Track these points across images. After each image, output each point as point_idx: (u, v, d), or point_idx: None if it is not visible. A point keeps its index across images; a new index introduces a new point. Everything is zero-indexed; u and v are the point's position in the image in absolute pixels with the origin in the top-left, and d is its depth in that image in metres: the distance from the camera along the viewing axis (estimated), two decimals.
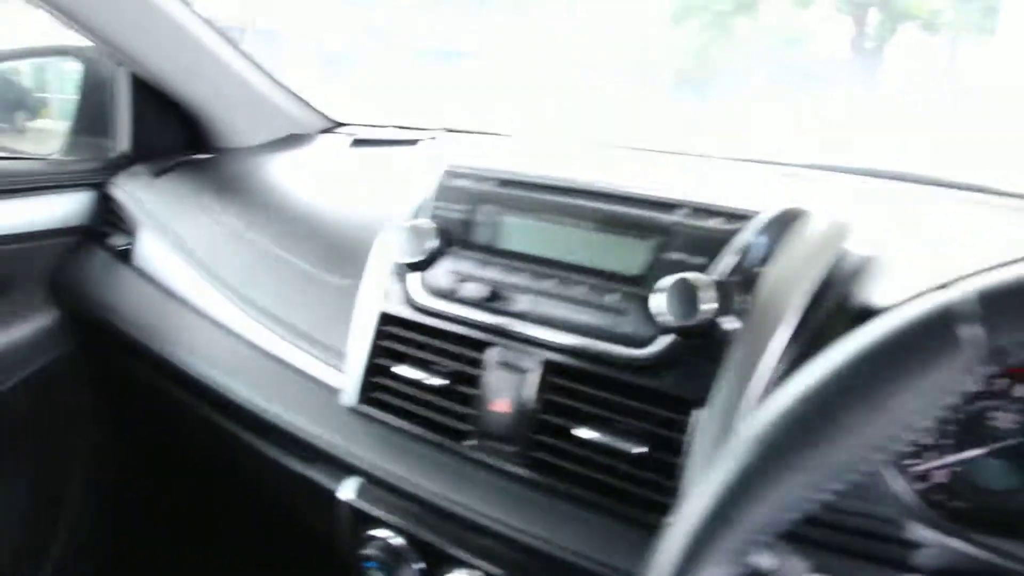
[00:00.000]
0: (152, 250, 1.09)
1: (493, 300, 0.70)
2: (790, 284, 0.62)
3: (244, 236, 0.99)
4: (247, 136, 1.30)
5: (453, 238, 0.75)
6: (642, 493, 0.62)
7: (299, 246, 0.94)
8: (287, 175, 1.16)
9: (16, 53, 1.48)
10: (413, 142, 1.20)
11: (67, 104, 1.48)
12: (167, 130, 1.30)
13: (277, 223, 1.00)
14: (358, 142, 1.26)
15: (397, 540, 0.73)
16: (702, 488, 0.39)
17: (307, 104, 1.36)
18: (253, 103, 1.29)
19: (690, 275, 0.61)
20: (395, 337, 0.76)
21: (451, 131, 1.27)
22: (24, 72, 1.57)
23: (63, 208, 1.21)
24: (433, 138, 1.20)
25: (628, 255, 0.66)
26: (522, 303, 0.69)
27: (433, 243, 0.74)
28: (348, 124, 1.40)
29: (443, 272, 0.74)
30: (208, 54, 1.18)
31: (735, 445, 0.39)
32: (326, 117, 1.39)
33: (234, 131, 1.29)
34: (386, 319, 0.76)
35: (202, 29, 1.16)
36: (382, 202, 0.94)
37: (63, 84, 1.59)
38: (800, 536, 0.42)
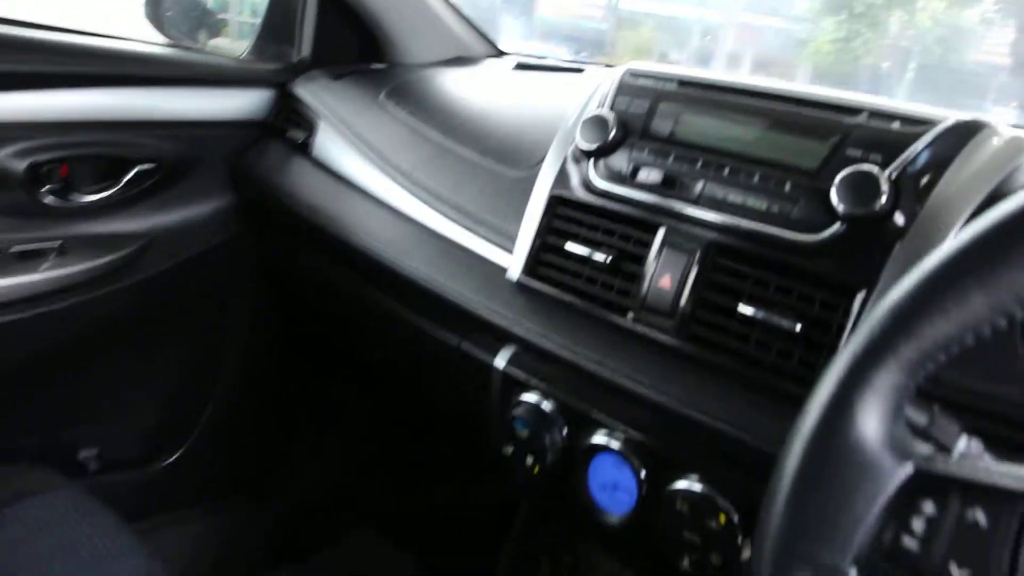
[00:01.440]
0: (329, 142, 1.18)
1: (666, 185, 0.75)
2: (964, 190, 0.64)
3: (419, 131, 1.06)
4: (418, 53, 1.38)
5: (631, 129, 0.80)
6: (795, 369, 0.65)
7: (473, 142, 1.00)
8: (457, 85, 1.22)
9: None
10: (579, 70, 1.25)
11: (245, 26, 1.59)
12: (345, 41, 1.38)
13: (450, 122, 1.06)
14: (521, 66, 1.32)
15: (545, 403, 0.78)
16: (886, 298, 0.42)
17: (477, 30, 1.43)
18: (428, 23, 1.37)
19: (868, 166, 0.64)
20: (567, 218, 0.81)
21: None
22: None
23: (247, 103, 1.31)
24: (603, 65, 1.24)
25: (805, 151, 0.69)
26: (695, 188, 0.73)
27: (612, 132, 0.79)
28: (513, 54, 1.46)
29: (620, 159, 0.79)
30: None
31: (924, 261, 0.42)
32: (493, 45, 1.46)
33: (407, 47, 1.37)
34: (561, 201, 0.82)
35: None
36: (550, 112, 0.99)
37: (242, 7, 1.71)
38: (954, 402, 0.45)
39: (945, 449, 0.42)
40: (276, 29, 1.41)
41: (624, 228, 0.76)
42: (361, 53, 1.39)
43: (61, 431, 1.28)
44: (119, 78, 1.17)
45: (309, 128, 1.23)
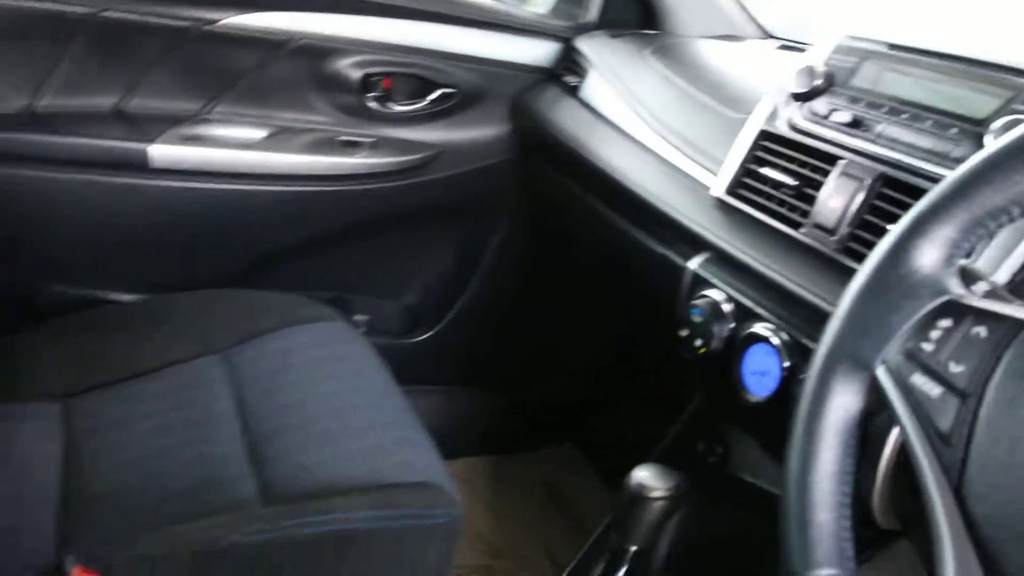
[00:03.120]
0: (596, 87, 1.39)
1: (852, 125, 0.88)
2: None
3: (669, 79, 1.24)
4: (691, 27, 1.55)
5: (835, 80, 0.93)
6: None
7: (711, 91, 1.17)
8: (714, 50, 1.39)
9: None
10: None
11: None
12: (628, 10, 1.58)
13: (697, 74, 1.23)
14: (785, 47, 1.45)
15: (721, 298, 0.94)
16: (951, 173, 0.55)
17: (747, 13, 1.58)
18: (704, 1, 1.54)
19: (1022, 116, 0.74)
20: (768, 149, 0.96)
21: None
22: None
23: (538, 51, 1.55)
24: None
25: (979, 105, 0.80)
26: (875, 129, 0.86)
27: (819, 81, 0.93)
28: (781, 38, 1.59)
29: (820, 103, 0.93)
30: None
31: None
32: (762, 28, 1.59)
33: (682, 20, 1.54)
34: (766, 135, 0.97)
35: None
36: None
37: None
38: None
39: (974, 288, 0.54)
40: None
41: (812, 159, 0.90)
42: (640, 22, 1.59)
43: (344, 294, 1.59)
44: (443, 16, 1.45)
45: (582, 75, 1.45)
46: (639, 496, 0.85)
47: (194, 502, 0.93)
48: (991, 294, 0.54)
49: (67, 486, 0.96)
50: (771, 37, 1.59)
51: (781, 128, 0.96)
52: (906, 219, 0.56)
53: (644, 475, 0.86)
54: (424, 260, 1.62)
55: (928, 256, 0.55)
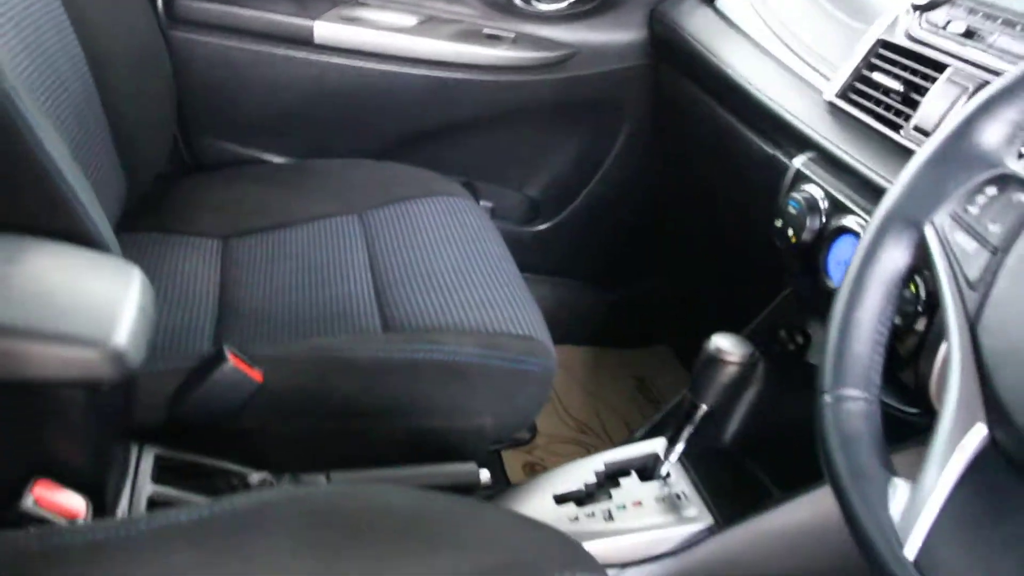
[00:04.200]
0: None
1: (966, 35, 0.92)
2: None
3: None
4: None
5: None
6: None
7: (844, 7, 1.20)
8: None
9: None
10: None
11: None
12: None
13: None
14: None
15: (818, 193, 1.00)
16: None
17: None
18: None
19: None
20: (883, 57, 1.01)
21: None
22: None
23: None
24: None
25: None
26: (988, 39, 0.89)
27: None
28: None
29: (938, 14, 0.96)
30: None
31: None
32: None
33: None
34: (883, 44, 1.01)
35: None
36: None
37: None
38: None
39: None
40: None
41: (922, 66, 0.95)
42: None
43: (473, 180, 1.71)
44: None
45: None
46: (715, 359, 0.94)
47: (326, 326, 1.08)
48: None
49: (222, 302, 1.13)
50: None
51: (898, 36, 1.00)
52: (978, 99, 0.63)
53: (722, 340, 0.94)
54: (550, 155, 1.71)
55: (992, 133, 0.62)
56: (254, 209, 1.35)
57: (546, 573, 0.67)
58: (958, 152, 0.62)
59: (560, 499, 1.03)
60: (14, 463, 0.81)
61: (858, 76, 1.03)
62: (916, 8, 0.99)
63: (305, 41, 1.47)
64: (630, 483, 1.04)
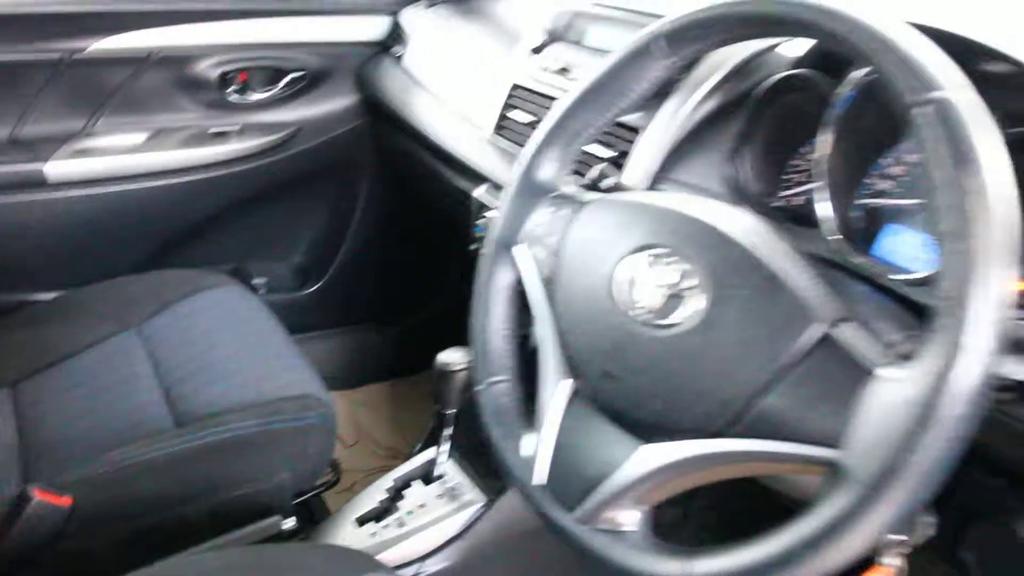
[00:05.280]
0: (413, 55, 1.65)
1: (560, 72, 1.16)
2: None
3: (471, 39, 1.51)
4: None
5: (556, 36, 1.22)
6: None
7: (483, 45, 1.44)
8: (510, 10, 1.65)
9: None
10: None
11: None
12: None
13: (493, 34, 1.50)
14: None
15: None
16: None
17: None
18: None
19: None
20: (517, 96, 1.24)
21: None
22: None
23: (371, 28, 1.80)
24: None
25: None
26: (572, 73, 1.14)
27: (546, 37, 1.21)
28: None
29: (546, 56, 1.21)
30: None
31: None
32: None
33: None
34: (515, 86, 1.25)
35: None
36: None
37: None
38: None
39: (573, 186, 0.83)
40: None
41: (545, 100, 1.18)
42: None
43: (242, 263, 1.86)
44: (279, 11, 1.70)
45: (405, 45, 1.71)
46: (445, 372, 1.14)
47: (123, 437, 1.20)
48: (579, 188, 0.83)
49: (23, 444, 1.23)
50: None
51: (524, 79, 1.24)
52: (530, 146, 0.85)
53: (446, 356, 1.14)
54: (305, 223, 1.89)
55: (546, 169, 0.84)
56: (37, 348, 1.44)
57: None
58: (528, 187, 0.84)
59: (361, 520, 1.20)
60: None
61: (502, 116, 1.26)
62: (533, 51, 1.23)
63: (38, 184, 1.57)
64: (415, 490, 1.22)
